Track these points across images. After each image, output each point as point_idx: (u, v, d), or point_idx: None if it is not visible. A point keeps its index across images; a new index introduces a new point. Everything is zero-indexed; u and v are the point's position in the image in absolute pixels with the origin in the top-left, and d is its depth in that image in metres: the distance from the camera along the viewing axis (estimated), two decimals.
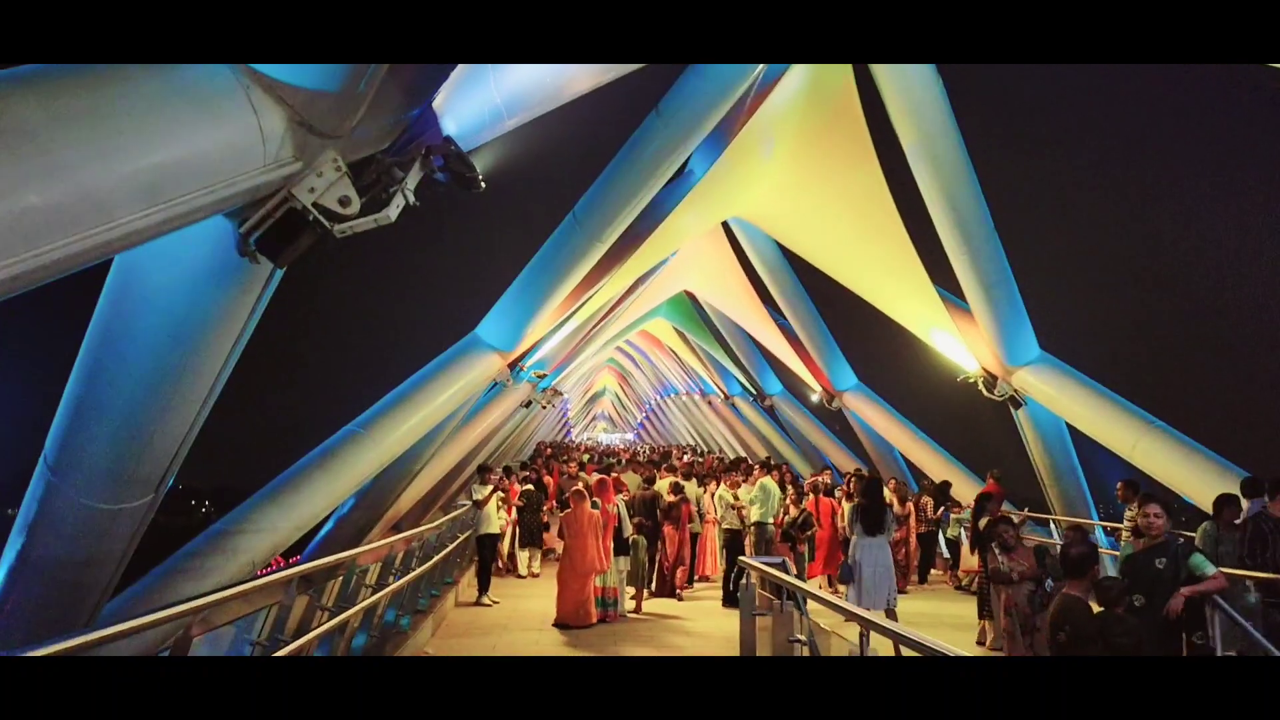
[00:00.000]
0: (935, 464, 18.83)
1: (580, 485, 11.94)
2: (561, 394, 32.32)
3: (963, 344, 13.13)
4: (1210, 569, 5.80)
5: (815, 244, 15.02)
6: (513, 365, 12.91)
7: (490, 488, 13.09)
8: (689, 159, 12.33)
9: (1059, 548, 4.81)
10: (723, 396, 36.57)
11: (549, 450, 34.02)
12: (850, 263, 14.55)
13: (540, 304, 12.11)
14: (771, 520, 12.88)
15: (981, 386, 13.31)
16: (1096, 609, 4.98)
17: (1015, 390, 13.07)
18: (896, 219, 11.92)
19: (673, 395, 52.97)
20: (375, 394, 11.56)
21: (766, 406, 29.62)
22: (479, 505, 12.95)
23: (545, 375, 13.26)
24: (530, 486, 15.78)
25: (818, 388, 22.06)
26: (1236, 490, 8.46)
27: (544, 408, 23.54)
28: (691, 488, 16.30)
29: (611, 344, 35.82)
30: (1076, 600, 4.84)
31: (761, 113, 11.30)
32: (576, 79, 6.97)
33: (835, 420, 24.95)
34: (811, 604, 5.96)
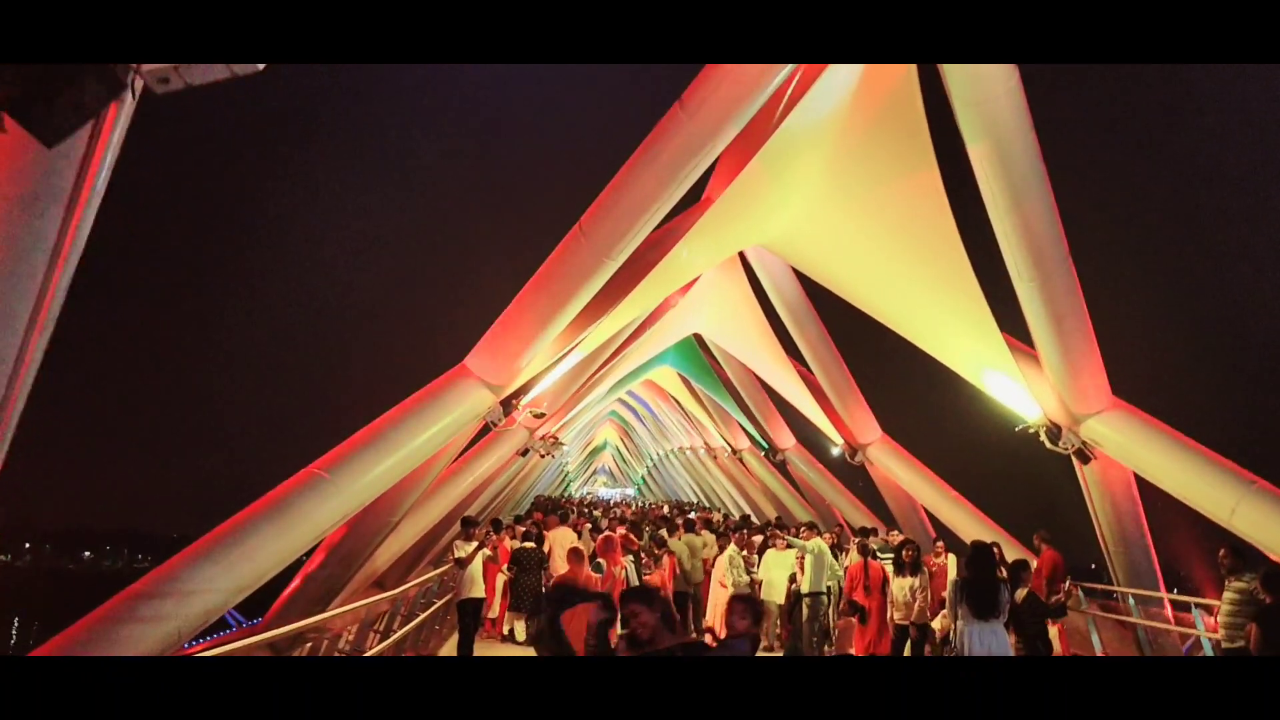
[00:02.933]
0: (970, 525, 17.07)
1: (578, 544, 10.21)
2: (562, 444, 30.65)
3: (1024, 388, 11.43)
4: None
5: (852, 275, 13.30)
6: (506, 403, 11.27)
7: (475, 544, 11.31)
8: (711, 169, 10.85)
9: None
10: (730, 450, 34.78)
11: (546, 502, 32.11)
12: (893, 295, 12.86)
13: (539, 332, 10.45)
14: (825, 590, 11.16)
15: (1044, 437, 11.59)
16: None
17: (1084, 442, 11.35)
18: (955, 242, 10.26)
19: (676, 450, 51.20)
20: (342, 429, 9.92)
21: (778, 461, 27.76)
22: (461, 565, 11.16)
23: (543, 415, 11.55)
24: (530, 544, 13.88)
25: (839, 440, 20.33)
26: None
27: (542, 456, 21.78)
28: (682, 545, 14.58)
29: (615, 392, 34.20)
30: None
31: (799, 113, 9.75)
32: None
33: (854, 476, 23.21)
34: None
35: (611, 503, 52.71)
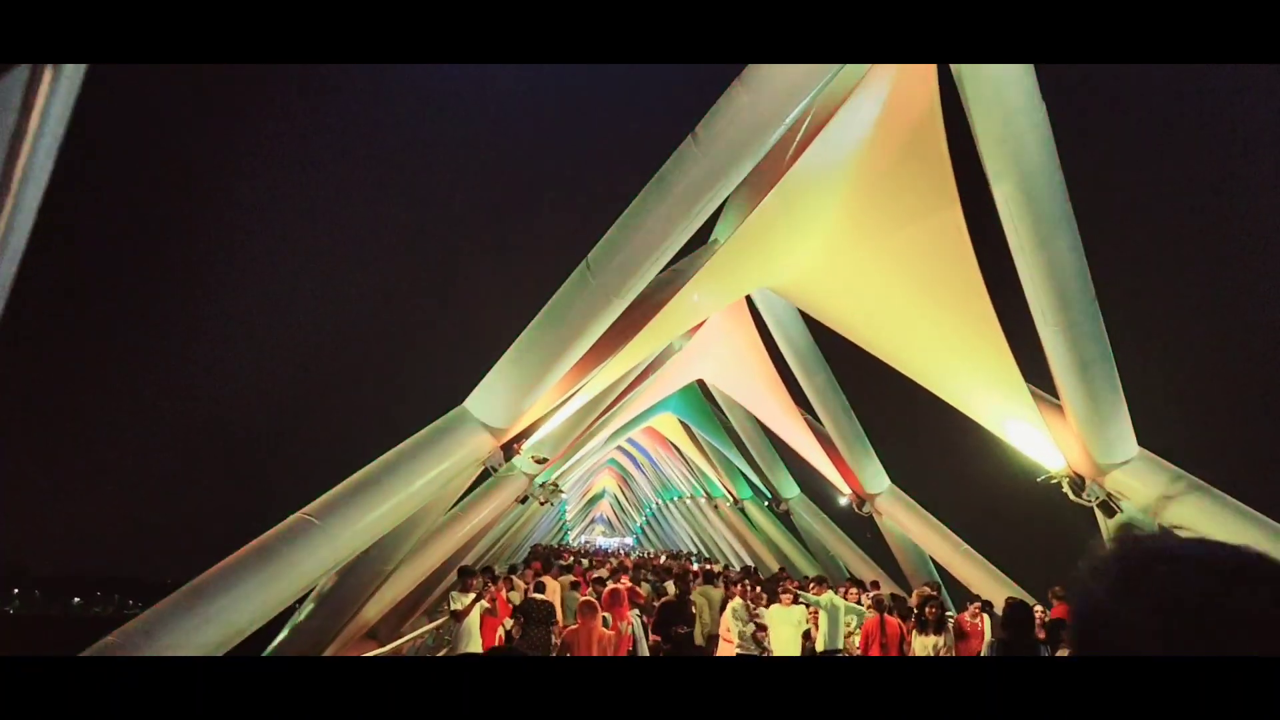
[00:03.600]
0: (982, 579, 16.50)
1: (589, 595, 9.67)
2: (561, 491, 30.06)
3: (1048, 438, 10.97)
4: None
5: (866, 319, 12.90)
6: (507, 448, 10.80)
7: (472, 595, 10.76)
8: (723, 205, 10.50)
9: None
10: (731, 500, 34.16)
11: (544, 551, 31.34)
12: (910, 339, 12.43)
13: (543, 373, 10.03)
14: (842, 647, 10.59)
15: (1066, 489, 11.11)
16: None
17: (1109, 494, 10.87)
18: (977, 284, 9.85)
19: (675, 499, 50.48)
20: (336, 473, 9.44)
21: (782, 511, 27.14)
22: (458, 618, 10.61)
23: (545, 462, 11.08)
24: (540, 595, 13.22)
25: (847, 490, 19.81)
26: None
27: (542, 504, 21.23)
28: (701, 597, 14.03)
29: (616, 439, 33.65)
30: None
31: (814, 151, 9.43)
32: None
33: (861, 528, 22.64)
34: None
35: (609, 552, 51.80)
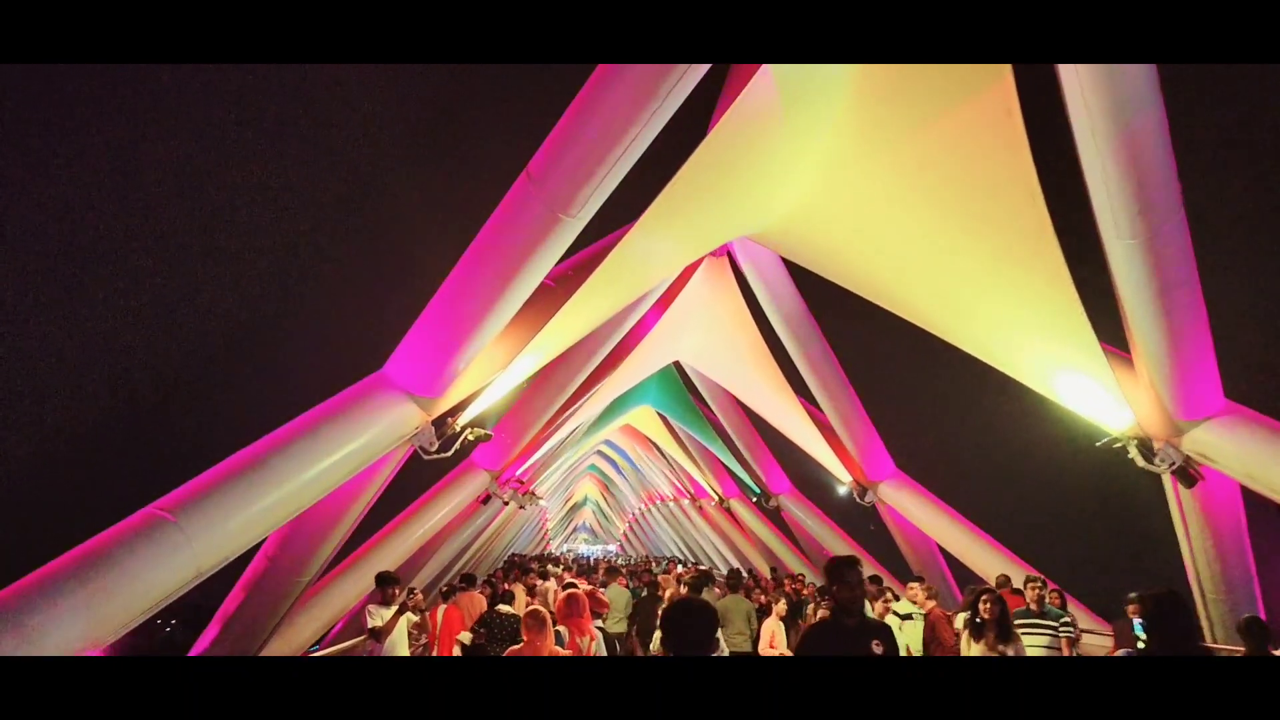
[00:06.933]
0: (1003, 571, 14.46)
1: (538, 604, 7.49)
2: (539, 497, 28.04)
3: (1114, 391, 8.82)
4: None
5: (874, 255, 10.52)
6: (440, 422, 8.66)
7: (394, 609, 8.58)
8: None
9: None
10: (717, 499, 32.05)
11: (521, 560, 29.04)
12: (931, 278, 10.12)
13: (482, 317, 7.84)
14: None
15: (1134, 453, 9.02)
16: None
17: (1187, 458, 8.79)
18: (1033, 190, 7.51)
19: (659, 502, 48.42)
20: (206, 455, 7.23)
21: (772, 508, 24.99)
22: (378, 636, 8.42)
23: (489, 436, 8.93)
24: (506, 607, 11.07)
25: (846, 479, 17.73)
26: None
27: (506, 504, 18.99)
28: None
29: (592, 437, 31.51)
30: None
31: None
32: None
33: (860, 520, 20.58)
34: None
35: (593, 560, 49.72)
